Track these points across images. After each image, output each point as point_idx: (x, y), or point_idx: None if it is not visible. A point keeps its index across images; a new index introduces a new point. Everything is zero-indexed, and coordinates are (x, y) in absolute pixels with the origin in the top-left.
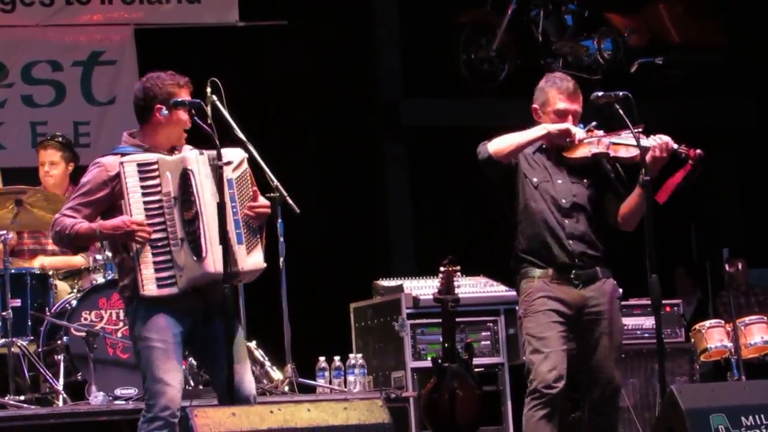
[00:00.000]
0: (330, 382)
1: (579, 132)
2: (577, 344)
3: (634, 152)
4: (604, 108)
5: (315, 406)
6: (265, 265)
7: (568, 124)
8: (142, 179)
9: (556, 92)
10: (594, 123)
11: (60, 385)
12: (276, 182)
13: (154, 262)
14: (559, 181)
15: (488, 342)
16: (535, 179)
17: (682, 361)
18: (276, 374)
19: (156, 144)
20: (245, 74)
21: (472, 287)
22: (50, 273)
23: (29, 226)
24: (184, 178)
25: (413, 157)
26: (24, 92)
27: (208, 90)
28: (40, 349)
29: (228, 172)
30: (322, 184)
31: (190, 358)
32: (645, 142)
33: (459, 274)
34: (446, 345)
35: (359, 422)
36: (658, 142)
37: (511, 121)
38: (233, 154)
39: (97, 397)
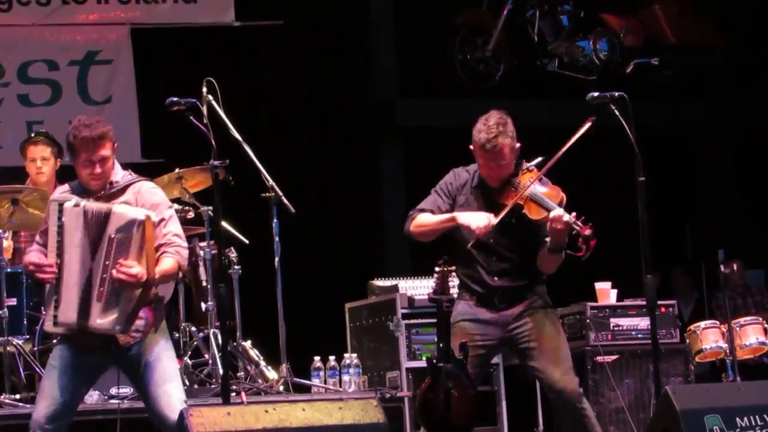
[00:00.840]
0: (325, 382)
1: (484, 224)
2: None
3: (543, 215)
4: (599, 108)
5: (310, 406)
6: (115, 331)
7: (474, 220)
8: (59, 218)
9: (475, 142)
10: (536, 162)
11: None
12: (271, 181)
13: (54, 300)
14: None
15: None
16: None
17: (677, 361)
18: (271, 374)
19: (84, 185)
20: (241, 73)
21: None
22: None
23: (24, 226)
24: (60, 226)
25: (409, 157)
26: (20, 91)
27: (204, 89)
28: (35, 348)
29: (111, 229)
30: (317, 184)
31: (185, 357)
32: (557, 211)
33: (454, 274)
34: (441, 345)
35: (354, 422)
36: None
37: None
38: (124, 214)
39: (92, 396)
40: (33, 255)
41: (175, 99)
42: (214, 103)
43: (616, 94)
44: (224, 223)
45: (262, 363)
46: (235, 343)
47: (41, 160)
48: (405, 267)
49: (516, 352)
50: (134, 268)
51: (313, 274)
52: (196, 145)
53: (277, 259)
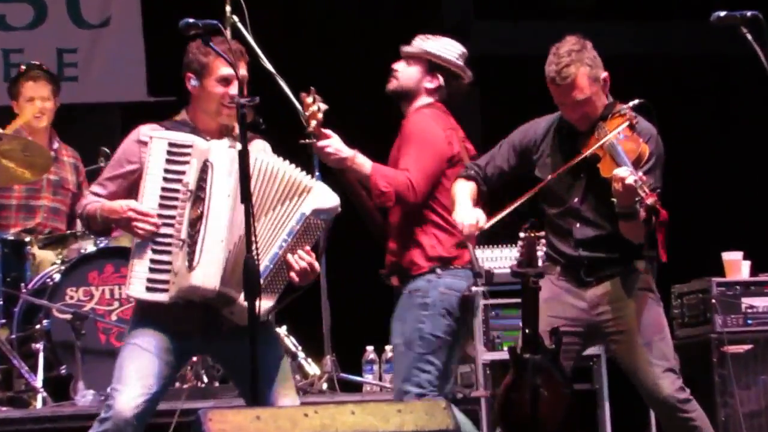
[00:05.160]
0: (380, 378)
1: (468, 224)
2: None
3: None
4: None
5: (361, 408)
6: (265, 315)
7: (460, 217)
8: (168, 161)
9: (546, 78)
10: (633, 103)
11: (39, 381)
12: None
13: (151, 260)
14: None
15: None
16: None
17: None
18: (312, 368)
19: (199, 125)
20: None
21: None
22: (27, 240)
23: None
24: (203, 170)
25: (485, 93)
26: None
27: (228, 9)
28: (13, 336)
29: (307, 206)
30: (368, 130)
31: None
32: (620, 169)
33: (544, 241)
34: (527, 331)
35: (417, 428)
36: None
37: (610, 48)
38: (328, 197)
39: (85, 397)
40: (123, 201)
41: (191, 20)
42: (240, 25)
43: (749, 13)
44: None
45: (301, 355)
46: None
47: (41, 100)
48: (481, 233)
49: (603, 342)
50: (316, 262)
51: (364, 243)
52: None
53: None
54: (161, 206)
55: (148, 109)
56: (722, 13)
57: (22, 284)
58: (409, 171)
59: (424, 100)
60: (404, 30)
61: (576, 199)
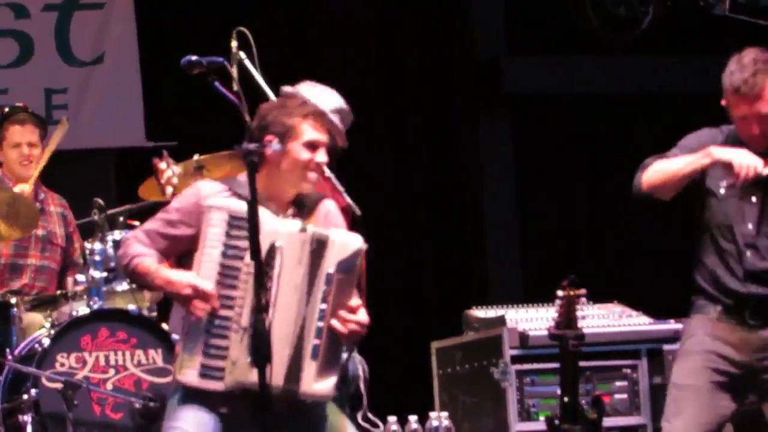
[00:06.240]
0: None
1: (752, 165)
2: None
3: None
4: None
5: None
6: (331, 396)
7: (737, 156)
8: (228, 235)
9: (727, 89)
10: None
11: None
12: (328, 171)
13: (206, 344)
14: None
15: (624, 395)
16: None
17: None
18: None
19: (270, 190)
20: (287, 21)
21: (602, 319)
22: (13, 301)
23: None
24: (269, 254)
25: (520, 133)
26: None
27: (233, 44)
28: None
29: (329, 263)
30: (394, 173)
31: None
32: None
33: (584, 300)
34: (566, 399)
35: None
36: None
37: (657, 85)
38: (347, 243)
39: None
40: (182, 274)
41: (194, 58)
42: (248, 62)
43: None
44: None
45: None
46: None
47: (29, 146)
48: (515, 290)
49: (756, 391)
50: (362, 313)
51: (388, 299)
52: (221, 121)
53: None
54: (219, 284)
55: (146, 155)
56: None
57: (8, 350)
58: None
59: None
60: (430, 64)
61: (750, 225)
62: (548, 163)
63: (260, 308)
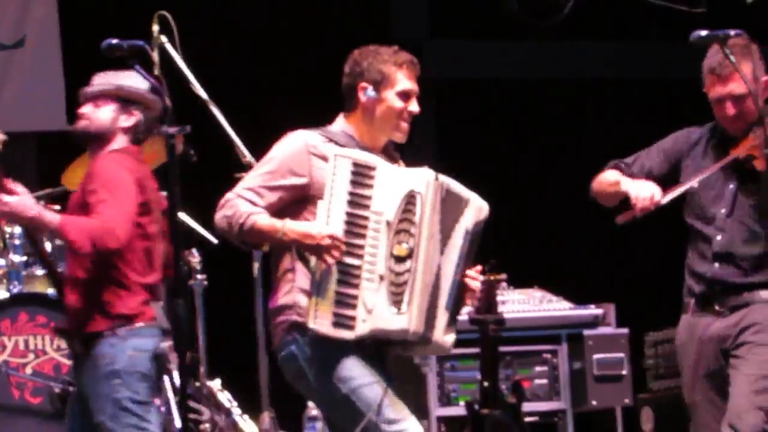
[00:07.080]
0: None
1: (648, 197)
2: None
3: None
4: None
5: None
6: (451, 349)
7: (636, 189)
8: (353, 183)
9: (705, 70)
10: None
11: None
12: (249, 157)
13: (337, 293)
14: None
15: (545, 380)
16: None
17: None
18: (248, 426)
19: (365, 140)
20: (207, 5)
21: (523, 304)
22: None
23: None
24: (408, 201)
25: (442, 118)
26: None
27: (155, 28)
28: None
29: (468, 220)
30: None
31: None
32: None
33: (505, 284)
34: (486, 384)
35: None
36: None
37: (584, 71)
38: (483, 206)
39: None
40: (318, 225)
41: (115, 42)
42: (169, 46)
43: (732, 33)
44: (183, 215)
45: (237, 411)
46: (198, 384)
47: None
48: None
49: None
50: (473, 283)
51: None
52: None
53: (257, 265)
54: (346, 233)
55: (66, 138)
56: (703, 33)
57: None
58: (103, 215)
59: (120, 142)
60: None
61: (723, 210)
62: (471, 147)
63: (403, 258)
